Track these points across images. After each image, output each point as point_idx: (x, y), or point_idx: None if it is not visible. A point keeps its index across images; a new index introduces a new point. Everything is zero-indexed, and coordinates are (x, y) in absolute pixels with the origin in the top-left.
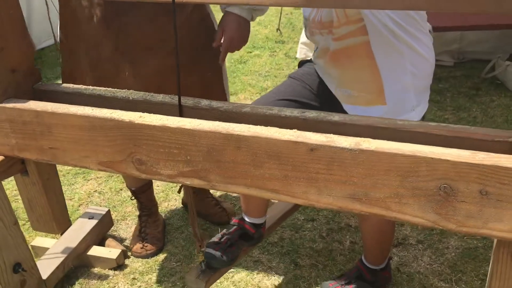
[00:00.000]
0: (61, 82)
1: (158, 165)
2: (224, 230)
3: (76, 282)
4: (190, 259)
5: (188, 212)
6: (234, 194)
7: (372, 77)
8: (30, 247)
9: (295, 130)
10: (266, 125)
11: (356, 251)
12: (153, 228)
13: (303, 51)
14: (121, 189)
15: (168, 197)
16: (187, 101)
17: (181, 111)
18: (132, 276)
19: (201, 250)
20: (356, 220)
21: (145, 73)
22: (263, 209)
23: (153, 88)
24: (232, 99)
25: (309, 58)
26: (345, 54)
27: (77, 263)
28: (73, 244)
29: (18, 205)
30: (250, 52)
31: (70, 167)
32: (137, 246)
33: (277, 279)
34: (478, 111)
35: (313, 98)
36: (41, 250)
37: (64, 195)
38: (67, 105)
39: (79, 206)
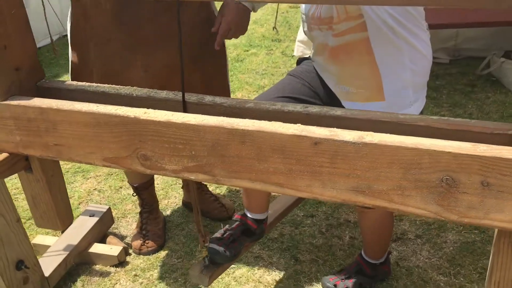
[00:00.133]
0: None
1: (163, 160)
2: (227, 226)
3: (78, 279)
4: (191, 255)
5: (188, 210)
6: (233, 191)
7: (371, 73)
8: None
9: (299, 124)
10: (269, 120)
11: (356, 246)
12: (154, 225)
13: (300, 49)
14: (120, 187)
15: (168, 195)
16: (191, 97)
17: (185, 107)
18: (133, 272)
19: (205, 246)
20: (355, 216)
21: (155, 67)
22: (265, 205)
23: (162, 82)
24: None
25: (306, 56)
26: (345, 50)
27: (79, 261)
28: (75, 241)
29: (17, 203)
30: (247, 51)
31: (69, 166)
32: (138, 243)
33: (278, 274)
34: (474, 107)
35: (312, 95)
36: (42, 248)
37: None
38: (72, 102)
39: (79, 204)
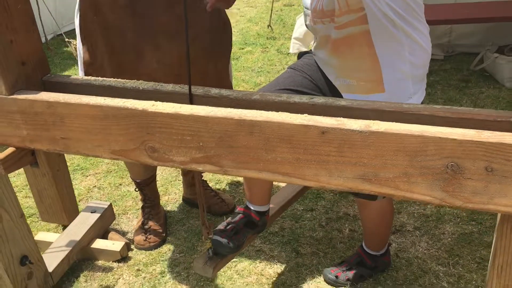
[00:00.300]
0: (64, 75)
1: (170, 152)
2: (229, 218)
3: (81, 275)
4: (193, 250)
5: (188, 205)
6: (233, 186)
7: (372, 65)
8: None
9: (306, 114)
10: (276, 111)
11: (356, 238)
12: (155, 220)
13: (296, 46)
14: (120, 184)
15: (168, 191)
16: (197, 89)
17: (191, 100)
18: (136, 267)
19: (209, 237)
20: (354, 209)
21: (168, 58)
22: (267, 197)
23: (175, 73)
24: None
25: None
26: (346, 43)
27: (81, 256)
28: (77, 237)
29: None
30: (242, 49)
31: (68, 164)
32: (140, 238)
33: (279, 267)
34: (468, 102)
35: (313, 88)
36: (44, 245)
37: None
38: (79, 95)
39: (79, 201)
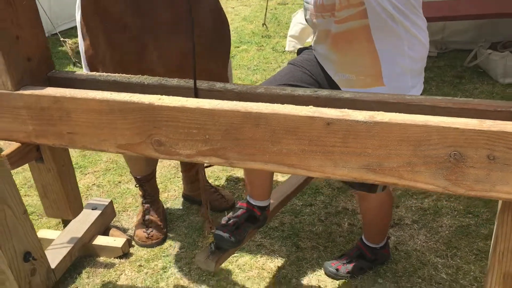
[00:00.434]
0: (69, 71)
1: (177, 145)
2: (231, 213)
3: (83, 271)
4: (194, 245)
5: (188, 202)
6: (232, 182)
7: (371, 60)
8: None
9: (311, 106)
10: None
11: (355, 232)
12: (156, 216)
13: (291, 43)
14: (119, 182)
15: (167, 188)
16: (202, 84)
17: (196, 94)
18: (138, 263)
19: (211, 232)
20: (352, 204)
21: (169, 53)
22: (268, 192)
23: (175, 70)
24: None
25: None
26: (345, 37)
27: (83, 253)
28: (79, 234)
29: None
30: (238, 47)
31: None
32: (142, 235)
33: (280, 261)
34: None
35: (313, 83)
36: (45, 242)
37: None
38: (85, 90)
39: None
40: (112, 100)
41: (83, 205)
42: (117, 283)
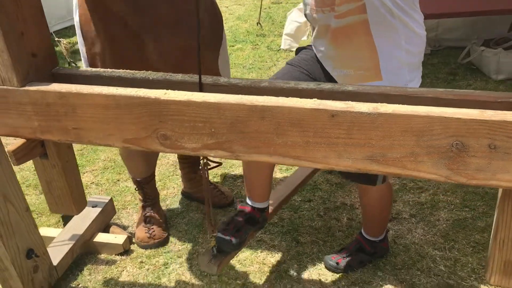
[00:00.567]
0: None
1: (182, 139)
2: (231, 216)
3: (85, 268)
4: (195, 242)
5: (188, 199)
6: (231, 179)
7: (370, 54)
8: None
9: (315, 99)
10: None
11: (354, 227)
12: (157, 218)
13: (287, 42)
14: (118, 180)
15: (166, 185)
16: (207, 78)
17: (201, 88)
18: (139, 260)
19: (213, 235)
20: (351, 199)
21: (168, 50)
22: (267, 194)
23: (175, 65)
24: None
25: (293, 49)
26: (345, 32)
27: (84, 250)
28: (80, 231)
29: None
30: (233, 46)
31: None
32: (144, 236)
33: (280, 256)
34: None
35: (311, 81)
36: (46, 239)
37: None
38: (91, 85)
39: None
40: (118, 95)
41: None
42: (119, 279)
